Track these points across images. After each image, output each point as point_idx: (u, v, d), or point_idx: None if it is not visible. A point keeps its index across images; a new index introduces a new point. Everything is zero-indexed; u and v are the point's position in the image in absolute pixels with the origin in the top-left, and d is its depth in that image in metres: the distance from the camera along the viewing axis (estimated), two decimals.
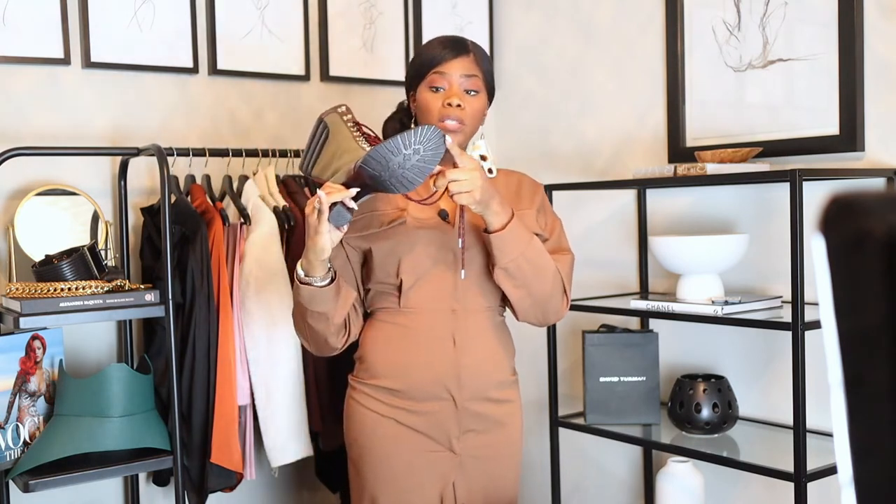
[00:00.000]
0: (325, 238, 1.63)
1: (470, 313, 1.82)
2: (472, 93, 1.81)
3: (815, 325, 1.93)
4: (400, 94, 2.46)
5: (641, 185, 2.51)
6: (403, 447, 1.82)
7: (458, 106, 1.78)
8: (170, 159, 2.29)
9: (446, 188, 1.64)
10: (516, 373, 1.95)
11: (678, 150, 2.54)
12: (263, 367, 2.30)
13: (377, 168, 1.59)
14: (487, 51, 3.11)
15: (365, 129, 1.73)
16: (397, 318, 1.81)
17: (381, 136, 1.79)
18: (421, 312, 1.80)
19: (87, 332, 2.42)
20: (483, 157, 1.90)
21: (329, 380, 2.42)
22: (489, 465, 1.87)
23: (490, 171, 1.91)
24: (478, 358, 1.83)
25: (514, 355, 1.95)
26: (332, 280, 1.73)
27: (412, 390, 1.81)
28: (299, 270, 1.72)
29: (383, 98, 2.86)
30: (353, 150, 1.66)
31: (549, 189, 2.53)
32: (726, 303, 2.12)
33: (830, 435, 2.06)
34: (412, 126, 1.89)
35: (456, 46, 1.82)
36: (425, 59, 1.83)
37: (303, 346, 2.35)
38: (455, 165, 1.67)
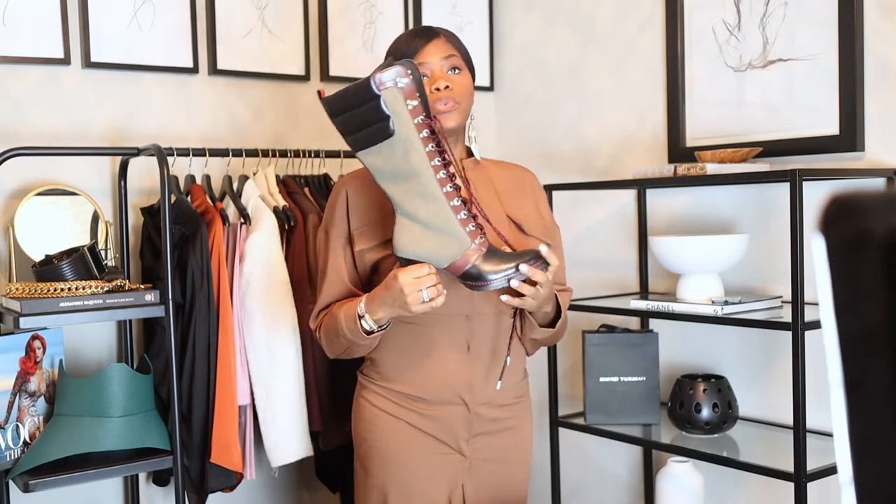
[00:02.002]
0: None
1: (483, 319, 1.80)
2: (456, 70, 1.80)
3: (815, 325, 1.93)
4: None
5: (641, 185, 2.51)
6: (413, 449, 1.81)
7: (447, 87, 1.76)
8: (170, 159, 2.29)
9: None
10: (527, 373, 1.95)
11: (678, 150, 2.54)
12: (263, 367, 2.30)
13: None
14: (487, 51, 3.11)
15: (436, 130, 1.63)
16: (411, 323, 1.79)
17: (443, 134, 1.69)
18: (435, 318, 1.77)
19: (87, 332, 2.42)
20: (475, 139, 1.89)
21: (329, 380, 2.42)
22: (499, 468, 1.87)
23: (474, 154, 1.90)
24: (491, 364, 1.82)
25: (525, 358, 1.94)
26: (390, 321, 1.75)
27: (425, 395, 1.80)
28: (371, 325, 1.71)
29: None
30: (443, 217, 1.61)
31: (549, 189, 2.53)
32: (726, 303, 2.12)
33: (830, 435, 2.06)
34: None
35: (425, 33, 1.81)
36: (399, 55, 1.80)
37: (303, 347, 2.35)
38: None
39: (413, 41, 1.79)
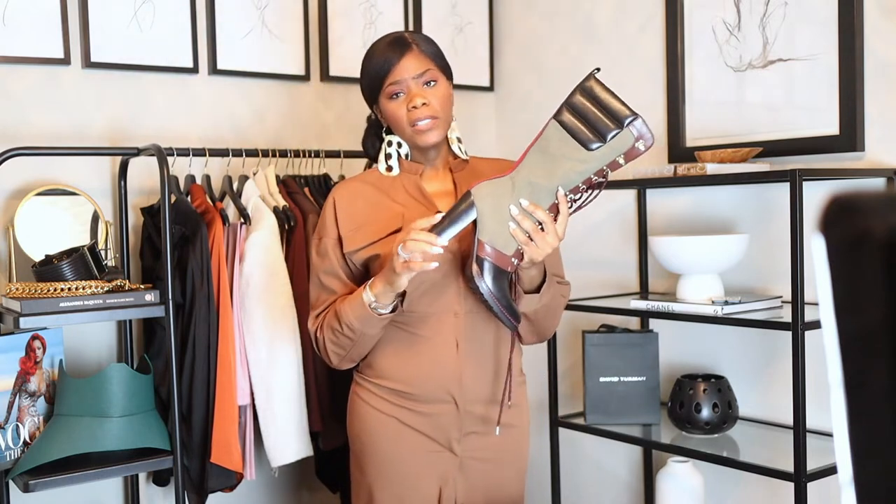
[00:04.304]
0: (404, 279, 1.66)
1: (472, 316, 1.80)
2: (432, 83, 1.79)
3: (815, 325, 1.93)
4: None
5: (641, 185, 2.51)
6: (404, 446, 1.82)
7: (424, 104, 1.76)
8: (170, 159, 2.29)
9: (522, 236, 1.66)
10: (523, 374, 1.94)
11: (678, 150, 2.54)
12: (263, 367, 2.30)
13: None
14: (487, 51, 3.11)
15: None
16: (402, 322, 1.80)
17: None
18: (424, 316, 1.79)
19: (87, 332, 2.42)
20: (458, 139, 1.90)
21: (329, 380, 2.42)
22: (492, 468, 1.86)
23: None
24: (481, 361, 1.82)
25: (521, 356, 1.93)
26: (395, 308, 1.74)
27: (416, 392, 1.80)
28: (370, 298, 1.70)
29: None
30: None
31: None
32: (726, 303, 2.12)
33: (830, 435, 2.06)
34: (386, 137, 1.88)
35: (399, 46, 1.78)
36: (374, 73, 1.79)
37: (303, 346, 2.35)
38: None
39: (386, 56, 1.78)
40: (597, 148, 1.63)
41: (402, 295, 1.75)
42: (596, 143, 1.64)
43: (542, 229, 1.65)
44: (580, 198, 1.69)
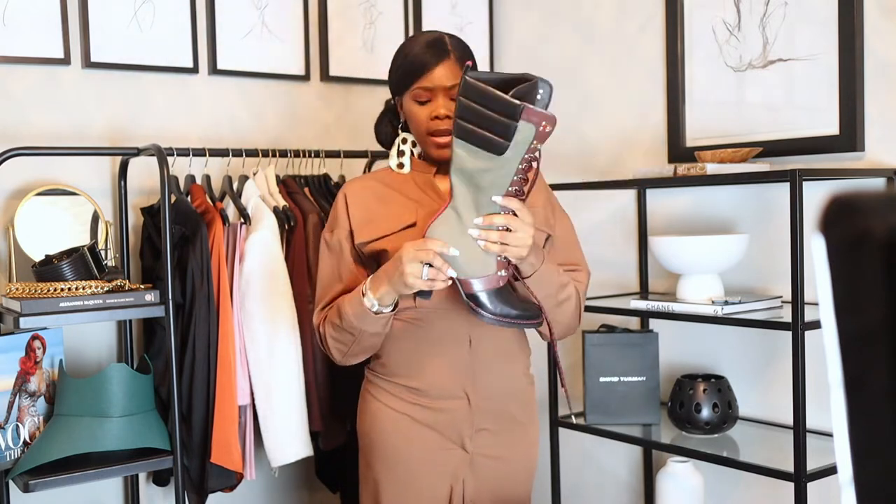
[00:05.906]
0: (414, 291, 1.66)
1: None
2: None
3: (815, 325, 1.93)
4: None
5: (641, 185, 2.51)
6: (415, 443, 1.82)
7: (448, 117, 1.77)
8: (170, 159, 2.29)
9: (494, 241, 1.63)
10: (531, 374, 1.94)
11: (678, 150, 2.54)
12: (263, 367, 2.30)
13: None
14: (487, 51, 3.11)
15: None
16: (415, 318, 1.80)
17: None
18: (437, 312, 1.79)
19: (87, 332, 2.42)
20: None
21: (329, 380, 2.42)
22: (501, 465, 1.87)
23: None
24: (493, 358, 1.83)
25: (530, 355, 1.94)
26: (396, 305, 1.74)
27: (429, 389, 1.81)
28: (372, 301, 1.70)
29: (383, 98, 2.85)
30: None
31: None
32: (726, 303, 2.12)
33: (830, 435, 2.06)
34: (401, 133, 1.88)
35: (438, 51, 1.78)
36: (407, 70, 1.79)
37: (303, 346, 2.35)
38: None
39: (424, 57, 1.78)
40: (506, 149, 1.56)
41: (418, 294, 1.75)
42: (503, 145, 1.55)
43: (509, 230, 1.62)
44: (527, 180, 1.63)
